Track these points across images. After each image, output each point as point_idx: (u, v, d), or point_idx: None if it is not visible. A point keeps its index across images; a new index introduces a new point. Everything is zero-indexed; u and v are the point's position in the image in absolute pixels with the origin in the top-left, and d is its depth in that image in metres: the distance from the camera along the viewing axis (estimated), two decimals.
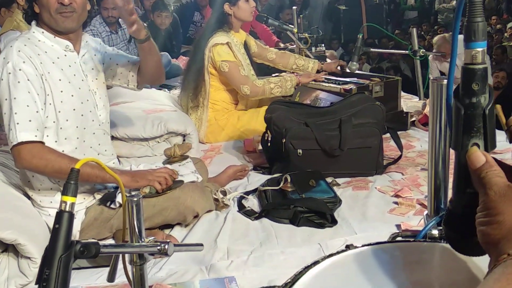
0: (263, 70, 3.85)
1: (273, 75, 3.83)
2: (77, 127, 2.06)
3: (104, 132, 2.21)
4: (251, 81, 3.24)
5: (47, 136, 1.97)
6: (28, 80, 1.90)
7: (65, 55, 2.04)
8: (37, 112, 1.91)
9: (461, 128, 0.71)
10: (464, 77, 0.71)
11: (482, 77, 0.70)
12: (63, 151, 1.98)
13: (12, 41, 1.97)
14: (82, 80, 2.10)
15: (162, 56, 4.95)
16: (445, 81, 0.90)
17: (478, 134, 0.71)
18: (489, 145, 0.72)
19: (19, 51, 1.91)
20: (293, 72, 3.72)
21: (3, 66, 1.89)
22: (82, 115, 2.07)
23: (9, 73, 1.88)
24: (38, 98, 1.92)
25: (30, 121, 1.89)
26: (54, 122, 1.98)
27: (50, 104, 1.97)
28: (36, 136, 1.89)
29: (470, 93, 0.70)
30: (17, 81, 1.88)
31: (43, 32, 2.02)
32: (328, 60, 4.07)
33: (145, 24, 2.17)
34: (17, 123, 1.87)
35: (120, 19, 4.91)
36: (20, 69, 1.89)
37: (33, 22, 2.04)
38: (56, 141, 2.00)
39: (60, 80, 1.98)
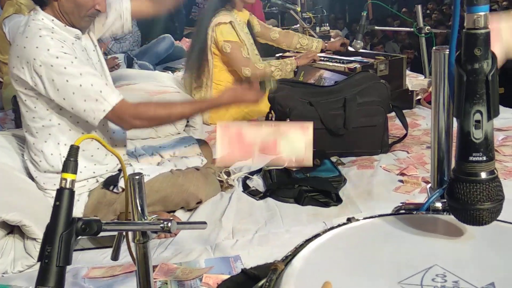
0: (267, 50, 3.82)
1: (277, 55, 3.80)
2: None
3: None
4: (252, 63, 3.22)
5: (68, 118, 1.99)
6: (76, 57, 1.88)
7: (76, 41, 2.02)
8: (101, 76, 1.94)
9: (464, 95, 0.69)
10: (466, 42, 0.69)
11: (485, 42, 0.69)
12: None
13: (30, 31, 1.89)
14: (97, 64, 2.09)
15: (164, 38, 4.97)
16: (447, 50, 0.88)
17: (481, 101, 0.69)
18: (492, 112, 0.70)
19: (52, 38, 1.87)
20: (297, 52, 3.68)
21: (44, 53, 1.84)
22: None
23: (57, 57, 1.84)
24: (94, 68, 1.94)
25: (106, 84, 1.92)
26: (72, 108, 1.96)
27: None
28: (120, 94, 1.94)
29: (473, 58, 0.69)
30: (70, 61, 1.86)
31: (53, 20, 1.95)
32: (333, 40, 4.03)
33: None
34: (100, 91, 1.88)
35: None
36: (65, 53, 1.86)
37: (38, 8, 1.96)
38: (70, 129, 2.01)
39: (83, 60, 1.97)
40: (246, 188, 2.33)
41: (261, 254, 1.80)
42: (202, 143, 2.61)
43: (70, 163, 0.93)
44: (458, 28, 0.79)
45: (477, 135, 0.73)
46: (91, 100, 1.88)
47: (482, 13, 0.69)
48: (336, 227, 0.89)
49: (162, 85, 3.40)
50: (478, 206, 0.71)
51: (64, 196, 0.92)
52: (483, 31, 0.69)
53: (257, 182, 2.40)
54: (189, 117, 2.10)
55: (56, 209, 0.91)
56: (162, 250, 1.90)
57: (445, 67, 0.89)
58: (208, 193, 2.21)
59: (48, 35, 1.88)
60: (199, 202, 2.18)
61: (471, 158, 0.71)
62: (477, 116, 0.72)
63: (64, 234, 0.90)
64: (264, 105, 2.95)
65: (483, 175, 0.75)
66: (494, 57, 0.71)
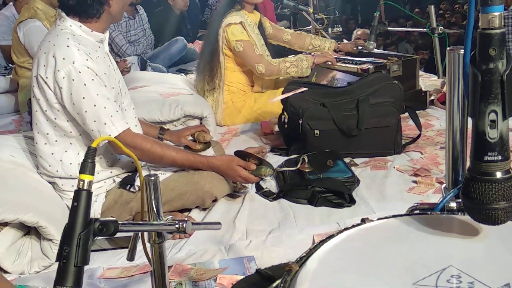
0: (279, 51, 3.82)
1: (289, 56, 3.80)
2: None
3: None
4: (266, 60, 3.22)
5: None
6: (96, 75, 1.93)
7: (99, 47, 2.05)
8: (115, 101, 2.00)
9: (479, 95, 0.70)
10: (481, 42, 0.70)
11: (500, 42, 0.69)
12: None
13: (58, 39, 1.93)
14: (114, 69, 2.12)
15: (177, 40, 5.00)
16: (462, 51, 0.88)
17: (495, 101, 0.69)
18: (507, 112, 0.70)
19: (78, 49, 1.91)
20: (309, 53, 3.68)
21: (69, 66, 1.88)
22: (119, 106, 2.10)
23: (80, 72, 1.89)
24: (110, 90, 2.00)
25: (117, 111, 1.98)
26: (83, 124, 2.00)
27: None
28: (127, 123, 2.01)
29: (487, 58, 0.69)
30: (91, 79, 1.91)
31: (80, 26, 1.99)
32: (345, 42, 4.02)
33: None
34: (111, 116, 1.95)
35: (137, 5, 4.92)
36: (88, 67, 1.90)
37: (64, 15, 1.99)
38: (90, 140, 2.03)
39: (105, 74, 2.00)
40: (259, 189, 2.34)
41: (275, 255, 1.81)
42: (214, 144, 2.63)
43: (88, 165, 0.94)
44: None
45: (492, 134, 0.73)
46: (100, 123, 1.94)
47: (496, 13, 0.69)
48: (350, 227, 0.90)
49: (175, 87, 3.42)
50: (494, 205, 0.71)
51: (82, 197, 0.93)
52: (498, 31, 0.69)
53: (270, 183, 2.41)
54: (178, 166, 2.16)
55: (74, 210, 0.92)
56: (177, 251, 1.91)
57: (460, 67, 0.89)
58: (223, 190, 2.22)
59: (75, 46, 1.92)
60: (214, 200, 2.19)
61: (486, 158, 0.72)
62: (492, 116, 0.72)
63: (82, 234, 0.91)
64: (277, 107, 2.96)
65: (499, 174, 0.75)
66: (509, 56, 0.71)
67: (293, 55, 3.76)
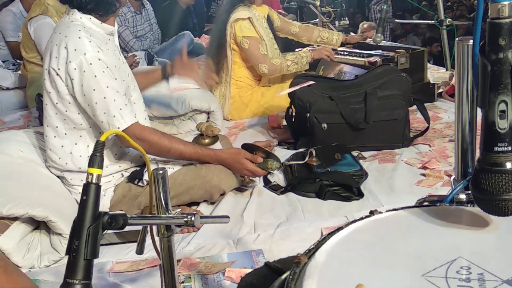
0: (285, 44, 3.81)
1: (296, 50, 3.79)
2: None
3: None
4: (269, 60, 3.22)
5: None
6: (107, 67, 1.94)
7: (109, 39, 2.06)
8: (124, 95, 2.01)
9: (488, 85, 0.69)
10: (490, 32, 0.69)
11: (509, 32, 0.68)
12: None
13: (70, 31, 1.94)
14: (123, 63, 2.13)
15: (184, 35, 4.99)
16: (471, 41, 0.87)
17: (505, 91, 0.69)
18: None
19: (90, 41, 1.92)
20: (318, 46, 3.67)
21: (81, 57, 1.90)
22: (128, 99, 2.10)
23: (91, 63, 1.90)
24: (120, 83, 2.00)
25: (126, 104, 1.99)
26: (93, 115, 2.01)
27: None
28: (135, 116, 2.02)
29: (497, 48, 0.68)
30: (102, 71, 1.92)
31: (90, 18, 2.01)
32: (352, 34, 4.00)
33: None
34: (120, 109, 1.96)
35: (143, 0, 4.91)
36: (99, 59, 1.92)
37: (71, 7, 2.00)
38: (100, 132, 2.04)
39: (115, 66, 2.00)
40: (267, 183, 2.34)
41: (283, 248, 1.81)
42: (222, 138, 2.63)
43: (96, 158, 0.94)
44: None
45: (502, 125, 0.72)
46: (110, 115, 1.95)
47: (506, 3, 0.68)
48: (359, 220, 0.90)
49: (182, 82, 3.41)
50: (504, 196, 0.71)
51: (91, 190, 0.93)
52: (507, 20, 0.69)
53: (278, 177, 2.41)
54: (185, 159, 2.16)
55: (83, 203, 0.93)
56: (185, 245, 1.92)
57: (469, 58, 0.88)
58: (231, 184, 2.22)
59: (87, 37, 1.93)
60: (222, 194, 2.20)
61: (496, 149, 0.71)
62: (502, 106, 0.71)
63: (91, 228, 0.91)
64: (284, 100, 2.96)
65: (509, 165, 0.75)
66: None
67: (301, 48, 3.76)
